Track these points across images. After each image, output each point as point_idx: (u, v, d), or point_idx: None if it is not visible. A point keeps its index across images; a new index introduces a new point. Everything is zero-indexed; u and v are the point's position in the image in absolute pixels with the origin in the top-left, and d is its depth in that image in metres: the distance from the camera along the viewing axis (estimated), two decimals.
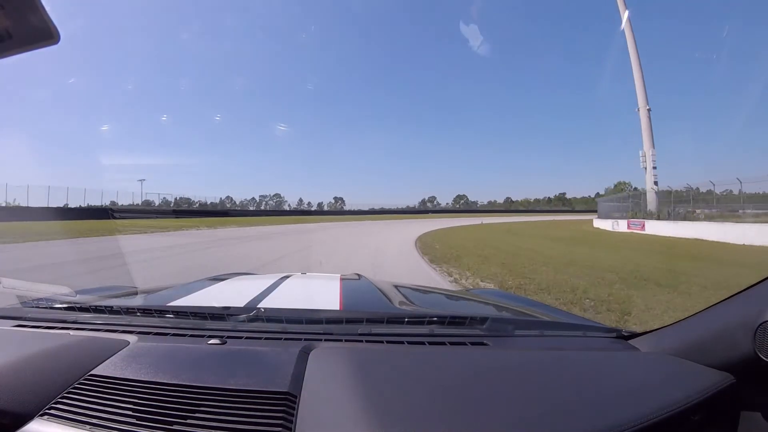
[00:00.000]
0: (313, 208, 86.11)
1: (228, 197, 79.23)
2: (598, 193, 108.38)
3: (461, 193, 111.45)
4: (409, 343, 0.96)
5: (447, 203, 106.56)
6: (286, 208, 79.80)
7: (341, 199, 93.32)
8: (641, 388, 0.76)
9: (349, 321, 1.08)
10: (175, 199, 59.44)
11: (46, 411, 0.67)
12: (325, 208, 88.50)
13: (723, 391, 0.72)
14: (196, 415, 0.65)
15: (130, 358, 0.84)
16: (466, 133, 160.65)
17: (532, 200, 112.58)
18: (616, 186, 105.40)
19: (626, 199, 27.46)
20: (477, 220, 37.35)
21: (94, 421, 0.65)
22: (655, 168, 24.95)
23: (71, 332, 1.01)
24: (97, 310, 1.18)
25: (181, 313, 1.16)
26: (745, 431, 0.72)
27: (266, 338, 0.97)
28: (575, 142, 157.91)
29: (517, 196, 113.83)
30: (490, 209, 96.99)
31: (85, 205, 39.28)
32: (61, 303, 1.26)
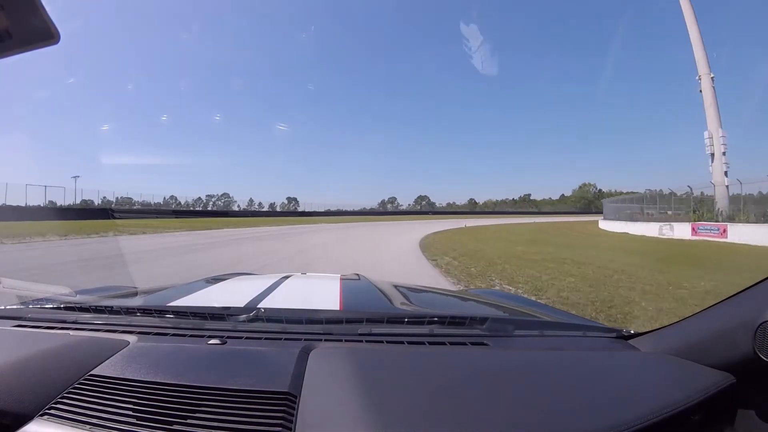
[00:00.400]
0: (264, 209, 78.23)
1: (172, 197, 71.79)
2: (562, 194, 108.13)
3: (423, 194, 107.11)
4: (409, 343, 0.96)
5: (408, 204, 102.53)
6: (236, 208, 72.51)
7: (294, 199, 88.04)
8: (641, 388, 0.76)
9: (349, 321, 1.08)
10: (117, 198, 52.19)
11: (46, 411, 0.67)
12: (278, 208, 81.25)
13: (723, 391, 0.72)
14: (196, 415, 0.65)
15: (130, 358, 0.84)
16: (427, 132, 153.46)
17: (495, 201, 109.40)
18: (581, 187, 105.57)
19: (662, 198, 22.74)
20: (453, 223, 32.32)
21: (94, 421, 0.65)
22: (724, 154, 19.12)
23: (71, 332, 1.01)
24: (97, 310, 1.18)
25: (181, 313, 1.16)
26: (745, 431, 0.72)
27: (266, 338, 0.97)
28: (538, 143, 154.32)
29: (480, 198, 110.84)
30: (453, 210, 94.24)
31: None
32: (61, 303, 1.26)
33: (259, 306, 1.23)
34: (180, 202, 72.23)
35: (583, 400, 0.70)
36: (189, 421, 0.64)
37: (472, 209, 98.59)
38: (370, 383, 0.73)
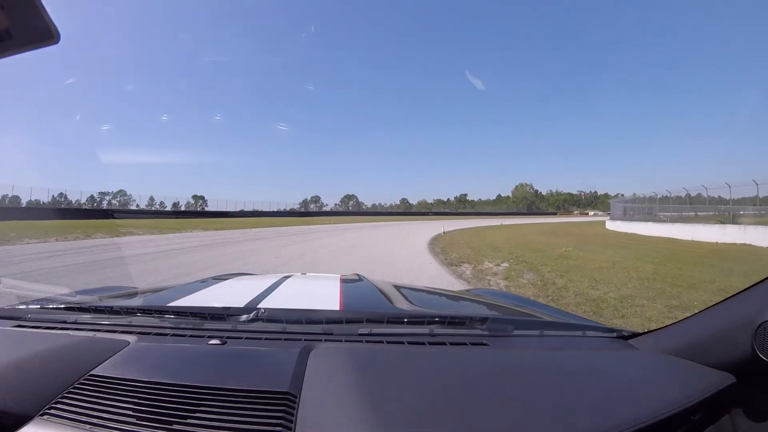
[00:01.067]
0: (167, 208, 68.63)
1: (61, 194, 57.27)
2: (499, 195, 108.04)
3: (350, 193, 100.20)
4: (410, 343, 0.96)
5: (335, 204, 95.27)
6: (134, 207, 63.68)
7: (202, 197, 78.78)
8: (641, 388, 0.76)
9: (349, 321, 1.08)
10: None
11: (47, 411, 0.67)
12: (182, 207, 71.19)
13: (723, 391, 0.72)
14: (197, 415, 0.65)
15: (130, 358, 0.84)
16: (355, 127, 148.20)
17: (432, 202, 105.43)
18: (516, 187, 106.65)
19: (692, 199, 19.15)
20: (407, 226, 27.42)
21: (94, 421, 0.65)
22: None
23: (71, 332, 1.01)
24: (97, 310, 1.18)
25: (181, 313, 1.16)
26: (745, 431, 0.72)
27: (266, 338, 0.97)
28: (473, 144, 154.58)
29: (413, 198, 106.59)
30: (383, 211, 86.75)
31: None
32: (61, 303, 1.26)
33: (259, 306, 1.23)
34: (71, 201, 59.42)
35: (583, 400, 0.70)
36: (189, 421, 0.64)
37: (407, 210, 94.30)
38: (370, 383, 0.73)
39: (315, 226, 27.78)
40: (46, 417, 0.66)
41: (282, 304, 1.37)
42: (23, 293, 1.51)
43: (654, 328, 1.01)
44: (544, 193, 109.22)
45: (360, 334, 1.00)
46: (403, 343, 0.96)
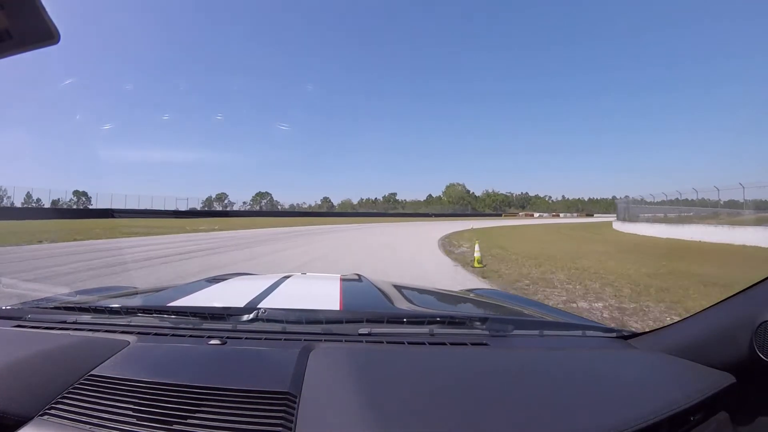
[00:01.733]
0: (34, 204, 50.59)
1: None
2: (430, 194, 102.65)
3: (263, 191, 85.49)
4: (410, 343, 0.96)
5: (244, 202, 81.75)
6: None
7: (84, 193, 65.34)
8: (641, 388, 0.76)
9: (349, 321, 1.08)
10: None
11: (47, 411, 0.67)
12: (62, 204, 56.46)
13: (723, 391, 0.72)
14: (197, 415, 0.65)
15: (130, 359, 0.84)
16: (264, 122, 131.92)
17: (359, 201, 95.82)
18: (448, 187, 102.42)
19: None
20: (360, 229, 22.54)
21: (94, 421, 0.65)
22: None
23: (71, 333, 1.01)
24: (97, 310, 1.18)
25: (181, 313, 1.16)
26: (745, 431, 0.72)
27: (266, 338, 0.97)
28: (402, 143, 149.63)
29: (337, 197, 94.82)
30: (303, 212, 73.40)
31: None
32: (61, 303, 1.26)
33: (259, 306, 1.23)
34: None
35: (583, 400, 0.70)
36: (189, 421, 0.64)
37: (329, 210, 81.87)
38: (370, 383, 0.73)
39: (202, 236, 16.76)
40: (46, 417, 0.66)
41: (282, 304, 1.37)
42: (23, 293, 1.51)
43: (654, 327, 1.01)
44: (478, 193, 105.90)
45: (360, 334, 1.00)
46: (403, 343, 0.96)
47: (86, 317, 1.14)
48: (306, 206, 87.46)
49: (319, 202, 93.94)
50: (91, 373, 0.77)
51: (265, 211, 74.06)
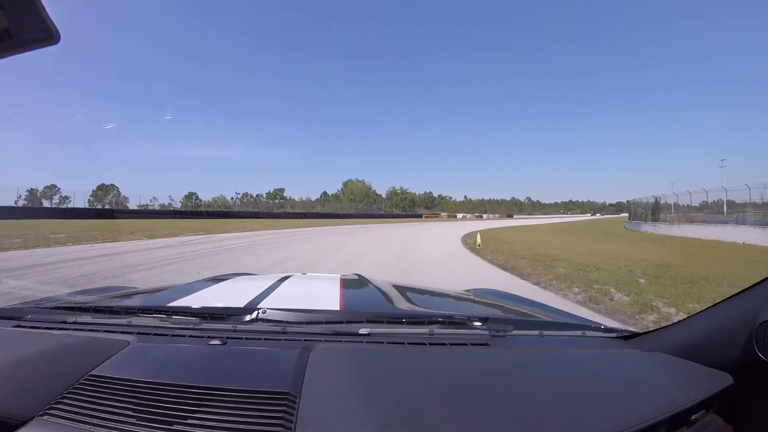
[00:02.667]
0: None
1: None
2: (325, 192, 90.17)
3: (106, 183, 63.27)
4: (410, 343, 0.96)
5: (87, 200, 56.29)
6: None
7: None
8: (641, 388, 0.76)
9: (349, 321, 1.08)
10: None
11: (47, 411, 0.67)
12: None
13: (723, 391, 0.72)
14: (197, 415, 0.65)
15: (130, 359, 0.84)
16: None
17: (231, 198, 75.17)
18: (347, 184, 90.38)
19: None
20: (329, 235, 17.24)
21: (94, 421, 0.65)
22: None
23: (71, 332, 1.01)
24: (97, 310, 1.18)
25: (181, 313, 1.16)
26: (745, 431, 0.72)
27: (266, 339, 0.97)
28: (294, 140, 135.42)
29: (206, 194, 73.72)
30: (160, 211, 47.68)
31: None
32: (61, 303, 1.26)
33: (259, 306, 1.22)
34: None
35: (583, 401, 0.70)
36: (189, 421, 0.64)
37: (195, 209, 59.61)
38: (370, 384, 0.73)
39: None
40: (46, 417, 0.66)
41: (282, 304, 1.37)
42: (23, 293, 1.51)
43: (654, 327, 1.01)
44: (383, 193, 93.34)
45: (360, 335, 1.00)
46: (403, 343, 0.96)
47: (86, 317, 1.14)
48: (167, 204, 64.54)
49: (182, 199, 70.35)
50: (91, 373, 0.77)
51: (117, 209, 49.63)
